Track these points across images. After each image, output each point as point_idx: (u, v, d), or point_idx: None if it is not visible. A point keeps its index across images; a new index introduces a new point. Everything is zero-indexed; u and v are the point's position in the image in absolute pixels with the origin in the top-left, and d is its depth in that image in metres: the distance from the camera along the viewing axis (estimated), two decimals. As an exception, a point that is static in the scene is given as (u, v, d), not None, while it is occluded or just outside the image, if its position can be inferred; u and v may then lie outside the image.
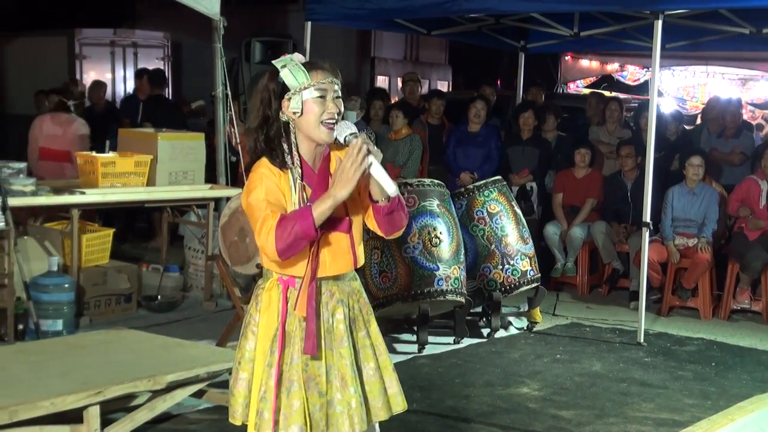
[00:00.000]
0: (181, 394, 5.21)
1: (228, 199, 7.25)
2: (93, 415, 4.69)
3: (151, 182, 7.89)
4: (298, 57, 3.36)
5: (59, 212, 7.86)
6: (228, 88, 8.64)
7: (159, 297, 8.20)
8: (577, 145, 9.73)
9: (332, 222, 3.30)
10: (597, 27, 9.83)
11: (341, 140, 3.30)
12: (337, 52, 12.71)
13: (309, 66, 3.33)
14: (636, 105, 13.22)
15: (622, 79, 17.29)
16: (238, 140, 8.92)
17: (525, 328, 7.96)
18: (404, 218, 3.46)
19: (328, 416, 3.36)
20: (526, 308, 8.06)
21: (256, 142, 3.38)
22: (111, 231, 8.20)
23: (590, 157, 9.58)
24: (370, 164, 3.21)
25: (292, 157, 3.33)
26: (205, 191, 8.24)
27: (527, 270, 7.70)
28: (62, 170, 8.90)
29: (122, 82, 14.95)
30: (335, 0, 9.05)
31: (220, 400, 5.53)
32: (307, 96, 3.29)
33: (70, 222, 7.47)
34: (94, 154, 7.83)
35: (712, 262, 8.60)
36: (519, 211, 7.95)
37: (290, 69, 3.30)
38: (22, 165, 7.35)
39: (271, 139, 3.34)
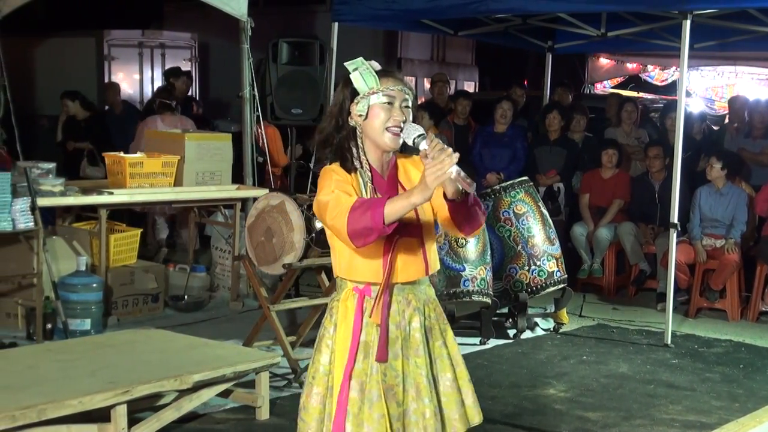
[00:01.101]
0: (208, 394, 5.23)
1: (255, 199, 7.28)
2: (120, 414, 4.72)
3: (178, 183, 7.92)
4: (373, 64, 3.31)
5: (87, 212, 7.92)
6: (255, 88, 8.66)
7: (186, 297, 8.24)
8: (604, 145, 9.70)
9: (402, 227, 3.21)
10: (624, 27, 9.79)
11: (409, 143, 3.21)
12: (363, 53, 12.58)
13: (381, 73, 3.28)
14: (661, 105, 13.16)
15: (649, 80, 17.21)
16: (265, 141, 8.94)
17: (551, 329, 7.94)
18: (482, 215, 3.34)
19: (404, 426, 3.29)
20: (553, 309, 8.04)
21: (328, 145, 3.33)
22: (138, 231, 8.24)
23: (617, 157, 9.55)
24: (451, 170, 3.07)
25: (360, 162, 3.28)
26: (232, 192, 8.27)
27: (554, 271, 7.68)
28: None
29: (150, 83, 15.00)
30: (362, 1, 9.06)
31: (246, 400, 5.56)
32: (375, 101, 3.24)
33: (98, 222, 7.52)
34: (122, 154, 7.88)
35: (740, 263, 8.54)
36: (546, 211, 7.93)
37: (361, 72, 3.26)
38: (51, 165, 7.41)
39: (341, 143, 3.29)
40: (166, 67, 14.01)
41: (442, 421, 3.35)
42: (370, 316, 3.29)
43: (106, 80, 14.23)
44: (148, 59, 15.17)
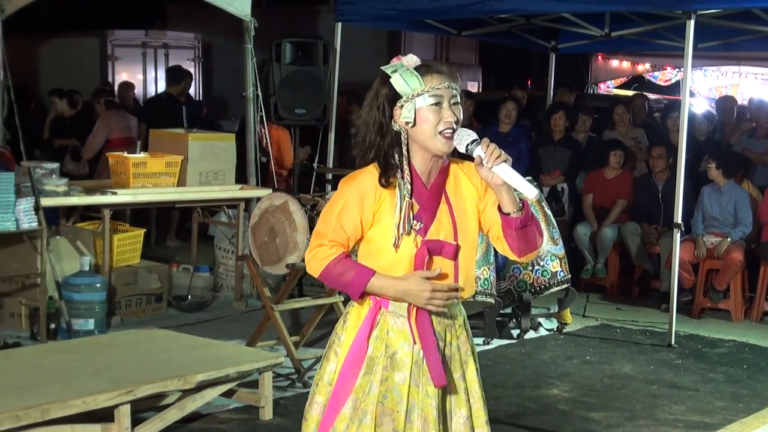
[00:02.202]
0: (211, 394, 5.24)
1: (258, 199, 7.28)
2: (124, 414, 4.72)
3: (181, 183, 7.92)
4: (410, 60, 3.02)
5: (91, 212, 7.94)
6: (258, 88, 8.67)
7: (189, 297, 8.24)
8: (612, 146, 9.69)
9: (437, 247, 3.00)
10: (628, 27, 9.78)
11: (462, 150, 2.95)
12: (366, 53, 12.70)
13: (423, 70, 2.99)
14: (662, 105, 13.16)
15: (653, 80, 17.19)
16: (268, 141, 8.95)
17: (555, 330, 7.93)
18: (539, 236, 3.10)
19: None
20: (556, 309, 8.04)
21: (366, 151, 3.04)
22: (142, 231, 8.25)
23: (624, 158, 9.55)
24: (500, 166, 2.93)
25: (402, 172, 3.01)
26: (235, 192, 8.27)
27: (557, 271, 7.67)
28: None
29: (153, 83, 15.03)
30: (366, 1, 9.07)
31: (250, 400, 5.56)
32: (421, 103, 2.95)
33: (102, 222, 7.53)
34: (125, 154, 7.89)
35: (744, 263, 8.53)
36: (549, 212, 7.91)
37: (401, 74, 2.96)
38: (55, 165, 7.42)
39: (386, 150, 3.01)
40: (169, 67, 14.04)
41: None
42: (414, 343, 3.04)
43: (110, 80, 14.26)
44: (151, 59, 15.21)
